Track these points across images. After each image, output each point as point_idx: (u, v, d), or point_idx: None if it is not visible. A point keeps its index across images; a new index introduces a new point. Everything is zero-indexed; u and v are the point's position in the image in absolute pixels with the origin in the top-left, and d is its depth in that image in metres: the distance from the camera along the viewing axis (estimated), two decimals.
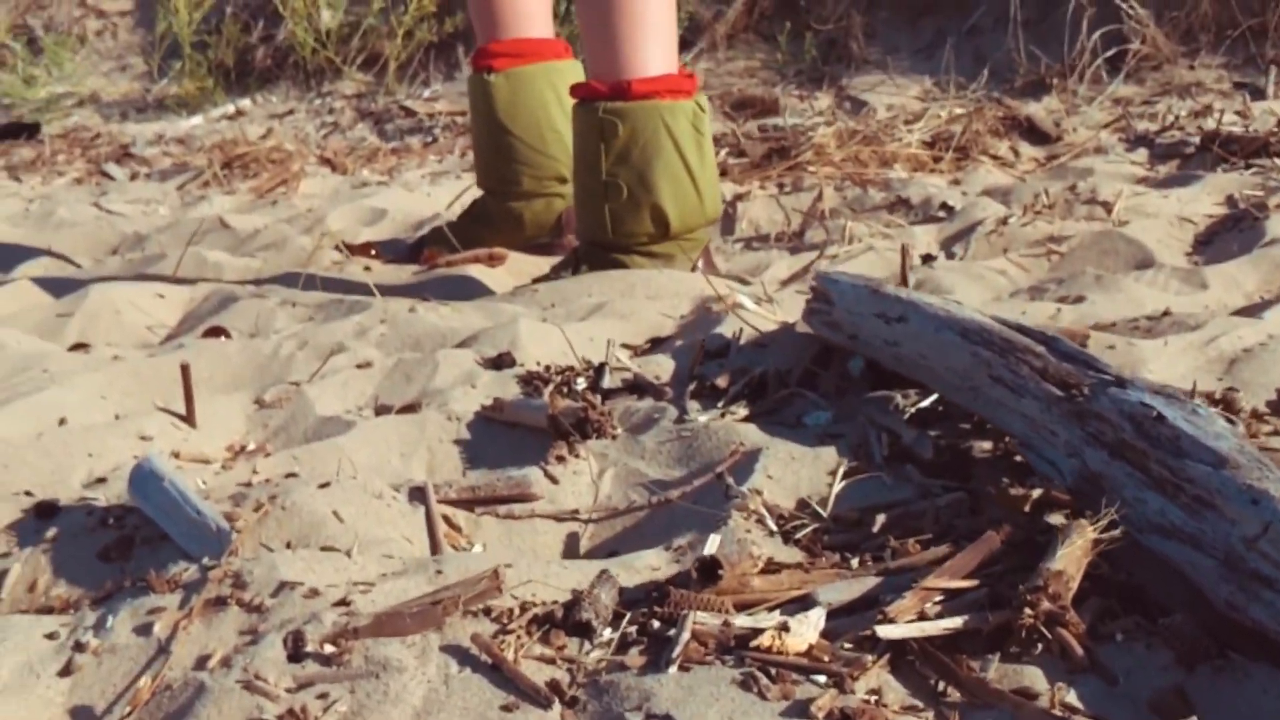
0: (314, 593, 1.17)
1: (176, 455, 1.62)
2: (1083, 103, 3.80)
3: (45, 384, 1.80)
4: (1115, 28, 3.94)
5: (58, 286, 2.43)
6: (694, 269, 2.18)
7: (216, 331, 2.06)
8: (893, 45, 4.40)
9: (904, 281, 2.17)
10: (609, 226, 2.14)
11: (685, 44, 4.54)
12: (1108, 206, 2.55)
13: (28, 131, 4.82)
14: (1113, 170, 2.85)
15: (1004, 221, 2.49)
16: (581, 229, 2.21)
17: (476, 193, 3.15)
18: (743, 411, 1.58)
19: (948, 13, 4.39)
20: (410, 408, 1.70)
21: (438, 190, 3.28)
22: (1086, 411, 1.26)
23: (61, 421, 1.71)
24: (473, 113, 2.56)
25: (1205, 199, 2.58)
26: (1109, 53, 3.90)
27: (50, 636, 1.16)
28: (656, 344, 1.91)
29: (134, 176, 3.88)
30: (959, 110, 3.54)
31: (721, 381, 1.65)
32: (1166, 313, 1.78)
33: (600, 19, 2.13)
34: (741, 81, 4.45)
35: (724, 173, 3.09)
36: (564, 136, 2.43)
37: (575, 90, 2.19)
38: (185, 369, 1.67)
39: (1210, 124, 3.22)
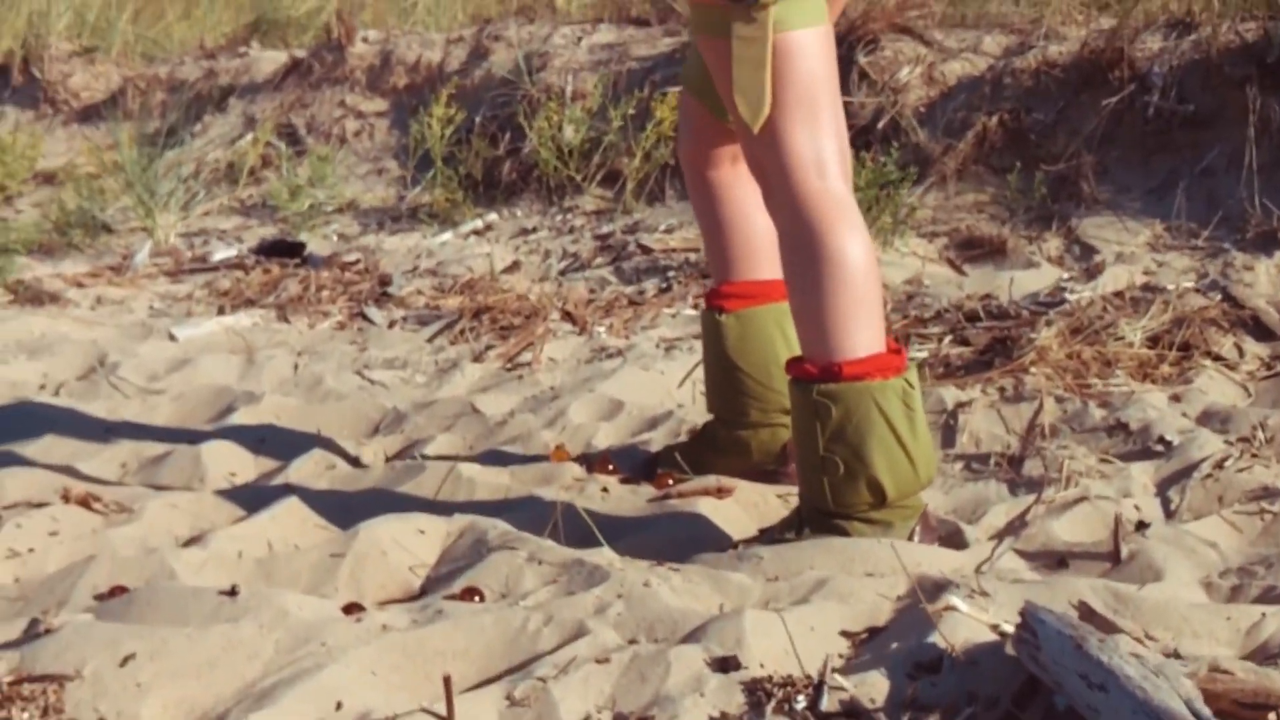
0: None
1: None
2: None
3: (324, 660, 2.03)
4: None
5: (330, 509, 2.67)
6: (911, 536, 2.31)
7: (470, 594, 2.27)
8: (1124, 184, 4.43)
9: (1116, 552, 2.27)
10: (829, 497, 2.29)
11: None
12: None
13: (293, 250, 5.18)
14: None
15: (1220, 465, 2.55)
16: (803, 493, 2.36)
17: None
18: None
19: (1181, 152, 4.40)
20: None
21: (671, 366, 3.47)
22: None
23: (338, 706, 1.94)
24: (705, 346, 2.74)
25: None
26: None
27: None
28: (874, 634, 2.05)
29: (392, 324, 4.16)
30: (1187, 285, 3.58)
31: None
32: None
33: (809, 302, 2.27)
34: (970, 217, 4.53)
35: (946, 366, 3.20)
36: None
37: (790, 368, 2.34)
38: (447, 681, 1.88)
39: None
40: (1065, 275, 4.04)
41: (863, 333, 2.26)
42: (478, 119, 5.91)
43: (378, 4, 7.52)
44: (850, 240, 2.25)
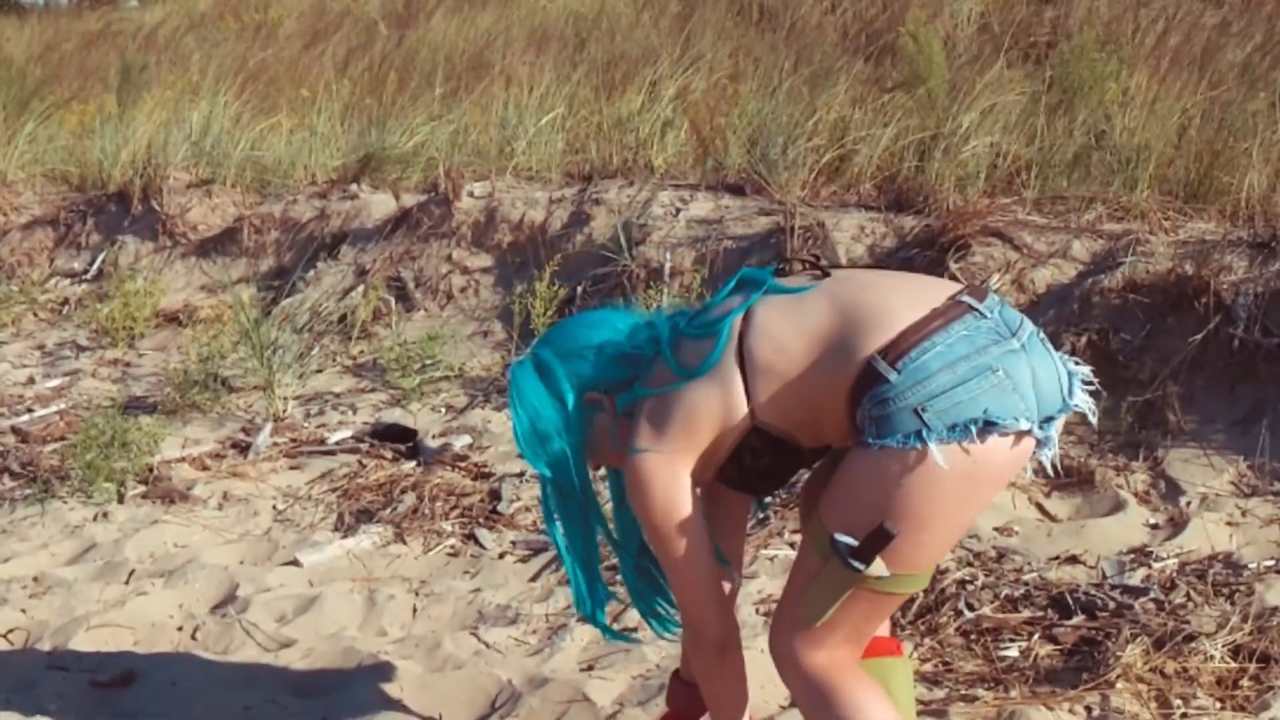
0: None
1: None
2: None
3: None
4: None
5: None
6: None
7: None
8: (1209, 414, 4.56)
9: None
10: None
11: None
12: None
13: (405, 436, 5.43)
14: None
15: None
16: None
17: None
18: None
19: (1265, 386, 4.52)
20: None
21: None
22: None
23: None
24: None
25: None
26: None
27: None
28: None
29: (502, 554, 4.40)
30: (1268, 565, 3.71)
31: None
32: None
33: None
34: (1058, 438, 4.67)
35: (1036, 671, 3.36)
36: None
37: None
38: None
39: None
40: (1151, 520, 4.19)
41: None
42: (579, 289, 6.14)
43: (481, 143, 7.76)
44: (864, 696, 2.45)
